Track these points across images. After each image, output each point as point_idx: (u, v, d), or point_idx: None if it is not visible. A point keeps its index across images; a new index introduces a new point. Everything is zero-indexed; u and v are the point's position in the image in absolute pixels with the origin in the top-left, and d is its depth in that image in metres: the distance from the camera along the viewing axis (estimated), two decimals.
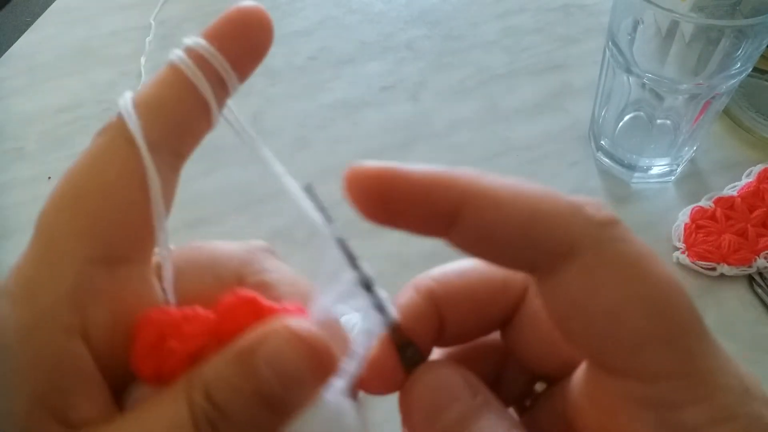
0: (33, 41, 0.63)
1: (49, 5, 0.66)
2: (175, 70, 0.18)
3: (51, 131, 0.54)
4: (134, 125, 0.17)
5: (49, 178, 0.49)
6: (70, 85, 0.58)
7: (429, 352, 0.19)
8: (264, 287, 0.19)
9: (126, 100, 0.17)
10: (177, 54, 0.18)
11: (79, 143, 0.52)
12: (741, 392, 0.15)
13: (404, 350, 0.18)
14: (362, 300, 0.17)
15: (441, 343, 0.20)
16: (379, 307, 0.17)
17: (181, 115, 0.18)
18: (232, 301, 0.17)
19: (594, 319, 0.15)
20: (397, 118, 0.53)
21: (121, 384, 0.17)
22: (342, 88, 0.56)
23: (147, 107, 0.17)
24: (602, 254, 0.15)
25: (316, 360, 0.16)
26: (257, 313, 0.17)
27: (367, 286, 0.17)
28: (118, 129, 0.17)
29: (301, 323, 0.16)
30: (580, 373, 0.17)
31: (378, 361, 0.18)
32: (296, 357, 0.16)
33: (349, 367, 0.17)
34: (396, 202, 0.16)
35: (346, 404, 0.17)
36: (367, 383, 0.18)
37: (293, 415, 0.16)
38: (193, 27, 0.62)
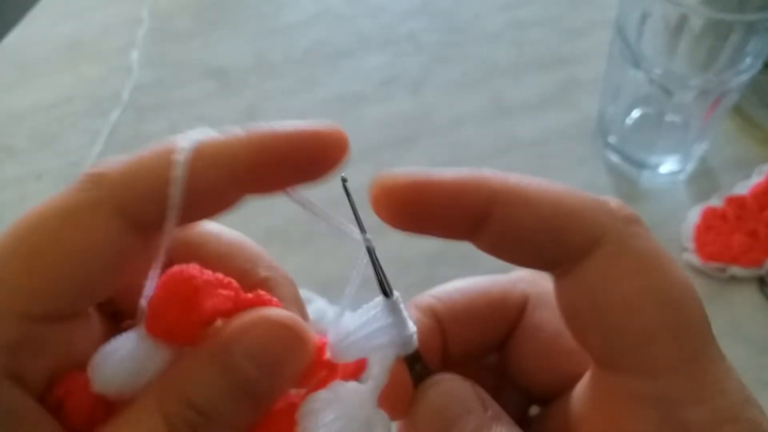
0: (22, 37, 0.63)
1: (38, 0, 0.67)
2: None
3: (41, 128, 0.54)
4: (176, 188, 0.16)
5: (40, 176, 0.49)
6: (60, 81, 0.58)
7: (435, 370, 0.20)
8: (268, 283, 0.20)
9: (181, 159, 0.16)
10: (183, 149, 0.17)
11: (69, 140, 0.53)
12: (743, 398, 0.16)
13: (413, 366, 0.18)
14: (380, 315, 0.18)
15: (443, 365, 0.20)
16: (401, 324, 0.18)
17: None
18: (253, 299, 0.18)
19: (608, 309, 0.16)
20: (397, 114, 0.53)
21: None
22: (340, 82, 0.56)
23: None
24: (624, 247, 0.16)
25: (293, 339, 0.17)
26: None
27: (388, 296, 0.18)
28: (103, 190, 0.16)
29: (274, 311, 0.17)
30: (581, 384, 0.18)
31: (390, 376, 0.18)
32: (273, 340, 0.17)
33: (374, 377, 0.18)
34: (429, 209, 0.17)
35: (375, 415, 0.17)
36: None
37: (275, 399, 0.17)
38: (186, 20, 0.62)
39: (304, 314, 0.20)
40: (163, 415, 0.15)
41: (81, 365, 0.17)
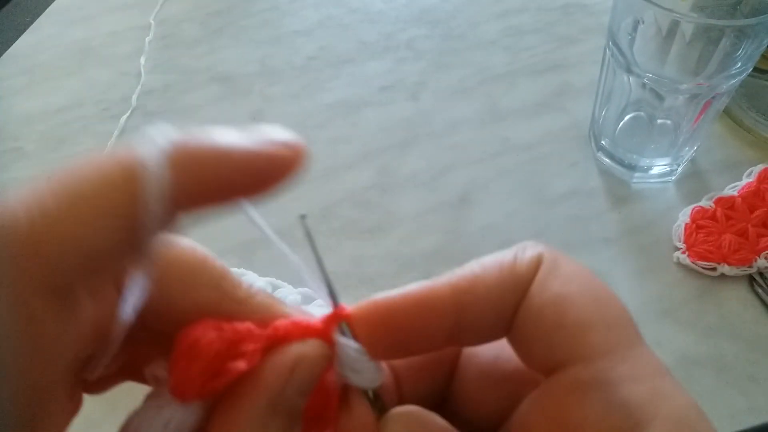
0: (32, 41, 0.63)
1: (48, 5, 0.66)
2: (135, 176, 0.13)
3: (50, 131, 0.54)
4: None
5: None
6: (69, 85, 0.58)
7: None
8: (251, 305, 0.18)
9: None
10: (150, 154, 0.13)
11: (78, 143, 0.52)
12: (672, 382, 0.16)
13: (375, 402, 0.18)
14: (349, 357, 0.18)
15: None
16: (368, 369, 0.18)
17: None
18: (288, 324, 0.17)
19: (545, 309, 0.17)
20: (397, 118, 0.53)
21: None
22: (342, 87, 0.56)
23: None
24: (554, 267, 0.18)
25: (323, 362, 0.17)
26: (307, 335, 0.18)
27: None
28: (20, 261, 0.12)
29: (305, 344, 0.17)
30: (527, 401, 0.18)
31: (350, 410, 0.18)
32: (313, 370, 0.17)
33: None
34: (402, 340, 0.18)
35: None
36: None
37: None
38: (193, 27, 0.62)
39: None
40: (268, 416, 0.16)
41: None
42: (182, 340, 0.16)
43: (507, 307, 0.17)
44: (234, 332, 0.17)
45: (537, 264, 0.18)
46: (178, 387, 0.16)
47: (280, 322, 0.17)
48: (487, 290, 0.17)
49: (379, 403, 0.18)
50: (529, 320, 0.17)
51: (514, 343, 0.18)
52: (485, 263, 0.18)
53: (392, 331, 0.17)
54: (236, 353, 0.16)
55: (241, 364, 0.16)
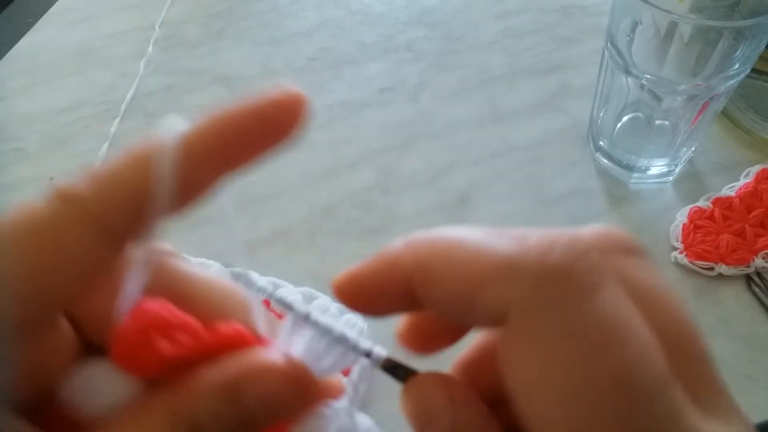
0: (34, 42, 0.63)
1: (50, 6, 0.66)
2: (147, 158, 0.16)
3: (52, 132, 0.54)
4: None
5: (51, 178, 0.49)
6: (70, 86, 0.58)
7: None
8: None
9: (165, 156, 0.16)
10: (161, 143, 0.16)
11: (79, 144, 0.52)
12: None
13: (394, 371, 0.18)
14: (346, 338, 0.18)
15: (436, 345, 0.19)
16: (367, 353, 0.18)
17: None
18: (229, 332, 0.18)
19: (513, 394, 0.14)
20: (397, 119, 0.53)
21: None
22: (342, 89, 0.56)
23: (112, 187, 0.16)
24: (530, 326, 0.14)
25: (303, 394, 0.17)
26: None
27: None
28: (74, 207, 0.15)
29: (283, 361, 0.17)
30: None
31: None
32: (285, 393, 0.17)
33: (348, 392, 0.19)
34: (366, 299, 0.17)
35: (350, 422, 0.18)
36: None
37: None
38: (194, 28, 0.62)
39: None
40: (171, 428, 0.16)
41: (49, 374, 0.17)
42: (135, 306, 0.17)
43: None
44: (178, 318, 0.17)
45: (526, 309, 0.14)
46: (113, 346, 0.16)
47: (225, 327, 0.18)
48: (451, 289, 0.15)
49: (401, 370, 0.18)
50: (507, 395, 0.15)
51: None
52: (475, 247, 0.15)
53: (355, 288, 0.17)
54: (169, 338, 0.16)
55: (164, 345, 0.16)
